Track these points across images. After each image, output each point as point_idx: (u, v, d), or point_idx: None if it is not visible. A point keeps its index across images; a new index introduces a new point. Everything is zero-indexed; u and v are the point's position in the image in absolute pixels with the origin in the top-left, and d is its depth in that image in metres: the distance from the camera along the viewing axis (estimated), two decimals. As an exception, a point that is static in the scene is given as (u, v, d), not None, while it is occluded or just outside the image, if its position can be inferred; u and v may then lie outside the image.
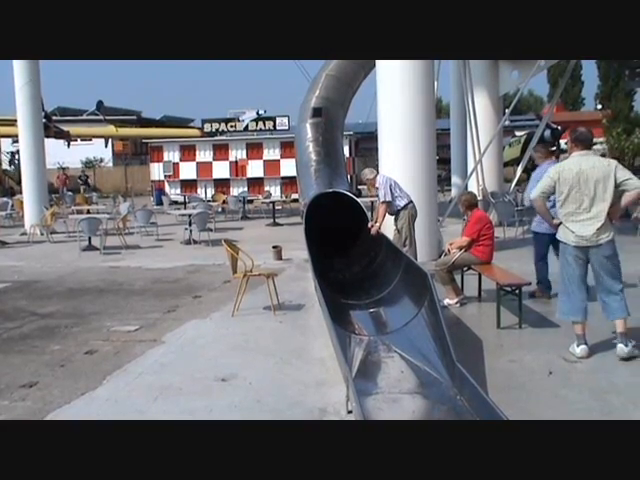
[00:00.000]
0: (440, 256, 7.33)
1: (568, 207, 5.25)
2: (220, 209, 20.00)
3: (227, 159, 25.27)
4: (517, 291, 6.27)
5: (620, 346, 5.21)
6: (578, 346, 5.30)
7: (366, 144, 29.09)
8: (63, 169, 30.30)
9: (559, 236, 5.41)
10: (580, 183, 5.19)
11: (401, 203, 8.43)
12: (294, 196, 19.44)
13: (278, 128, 26.98)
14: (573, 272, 5.31)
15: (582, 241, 5.22)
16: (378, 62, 9.90)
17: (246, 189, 24.22)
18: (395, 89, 9.63)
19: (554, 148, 19.96)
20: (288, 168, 22.40)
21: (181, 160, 25.64)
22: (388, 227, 8.70)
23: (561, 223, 5.36)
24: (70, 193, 25.16)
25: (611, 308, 5.32)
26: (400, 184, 8.57)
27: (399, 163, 9.65)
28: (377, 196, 8.96)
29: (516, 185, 15.93)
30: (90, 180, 31.87)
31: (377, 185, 8.58)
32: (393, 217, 8.59)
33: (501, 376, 4.93)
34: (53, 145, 24.99)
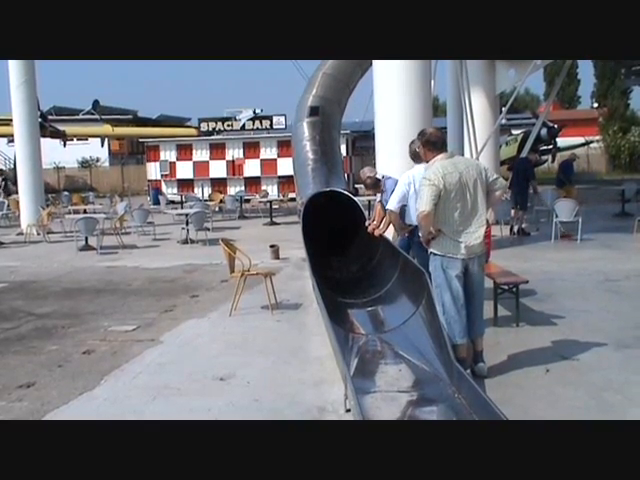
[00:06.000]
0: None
1: (453, 216, 4.68)
2: (217, 208, 19.98)
3: (224, 158, 25.24)
4: (514, 289, 6.28)
5: (481, 365, 4.89)
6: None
7: (363, 143, 29.12)
8: None
9: (438, 250, 4.75)
10: (463, 187, 4.64)
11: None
12: (291, 195, 19.44)
13: (275, 127, 27.01)
14: (457, 289, 4.76)
15: (470, 253, 4.72)
16: (375, 61, 9.89)
17: (243, 188, 24.20)
18: (392, 87, 9.61)
19: (551, 146, 19.94)
20: (285, 167, 22.38)
21: (178, 159, 25.61)
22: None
23: (434, 237, 4.75)
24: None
25: (480, 323, 4.97)
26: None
27: (396, 161, 9.63)
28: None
29: None
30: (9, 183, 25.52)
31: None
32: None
33: (498, 374, 4.93)
34: (49, 145, 24.96)
